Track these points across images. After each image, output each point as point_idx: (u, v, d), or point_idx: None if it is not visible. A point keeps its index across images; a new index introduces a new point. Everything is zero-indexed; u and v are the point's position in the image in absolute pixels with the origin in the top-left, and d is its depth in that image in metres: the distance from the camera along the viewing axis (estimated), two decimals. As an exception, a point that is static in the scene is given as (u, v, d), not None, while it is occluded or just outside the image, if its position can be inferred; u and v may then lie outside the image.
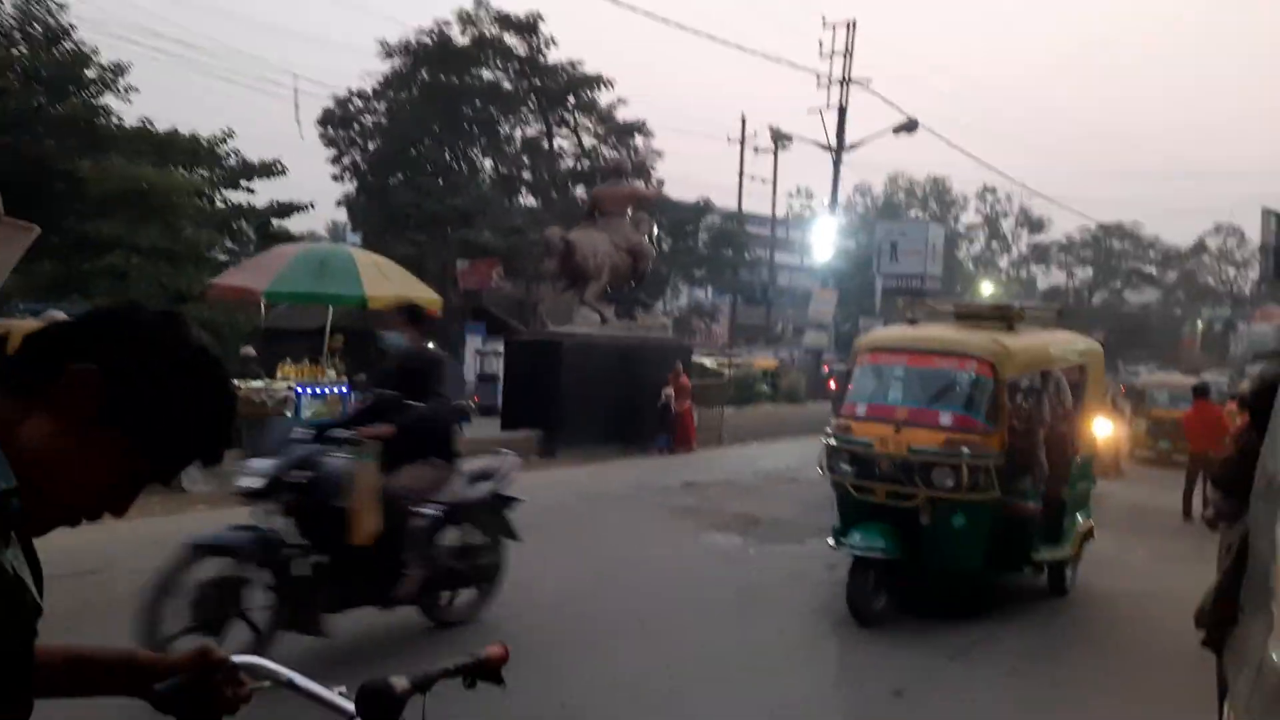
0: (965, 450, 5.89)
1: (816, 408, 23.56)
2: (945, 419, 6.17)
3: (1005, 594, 7.36)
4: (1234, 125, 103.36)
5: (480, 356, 23.66)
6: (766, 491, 12.18)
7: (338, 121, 28.04)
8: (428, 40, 27.70)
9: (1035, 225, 65.57)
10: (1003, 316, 7.01)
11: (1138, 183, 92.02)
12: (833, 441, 6.47)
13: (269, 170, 20.19)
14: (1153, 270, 60.60)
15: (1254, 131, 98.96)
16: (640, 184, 23.10)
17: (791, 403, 22.83)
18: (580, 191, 28.81)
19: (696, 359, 22.12)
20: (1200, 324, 60.86)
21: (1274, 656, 1.41)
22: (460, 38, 27.92)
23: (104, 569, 6.28)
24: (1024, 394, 7.59)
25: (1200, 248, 58.91)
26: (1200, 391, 11.95)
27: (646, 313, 17.68)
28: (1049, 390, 7.05)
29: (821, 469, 6.60)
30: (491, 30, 28.03)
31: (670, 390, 15.35)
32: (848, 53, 26.50)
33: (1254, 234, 45.79)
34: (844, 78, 26.33)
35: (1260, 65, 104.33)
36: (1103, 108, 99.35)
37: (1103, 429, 13.78)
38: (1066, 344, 7.52)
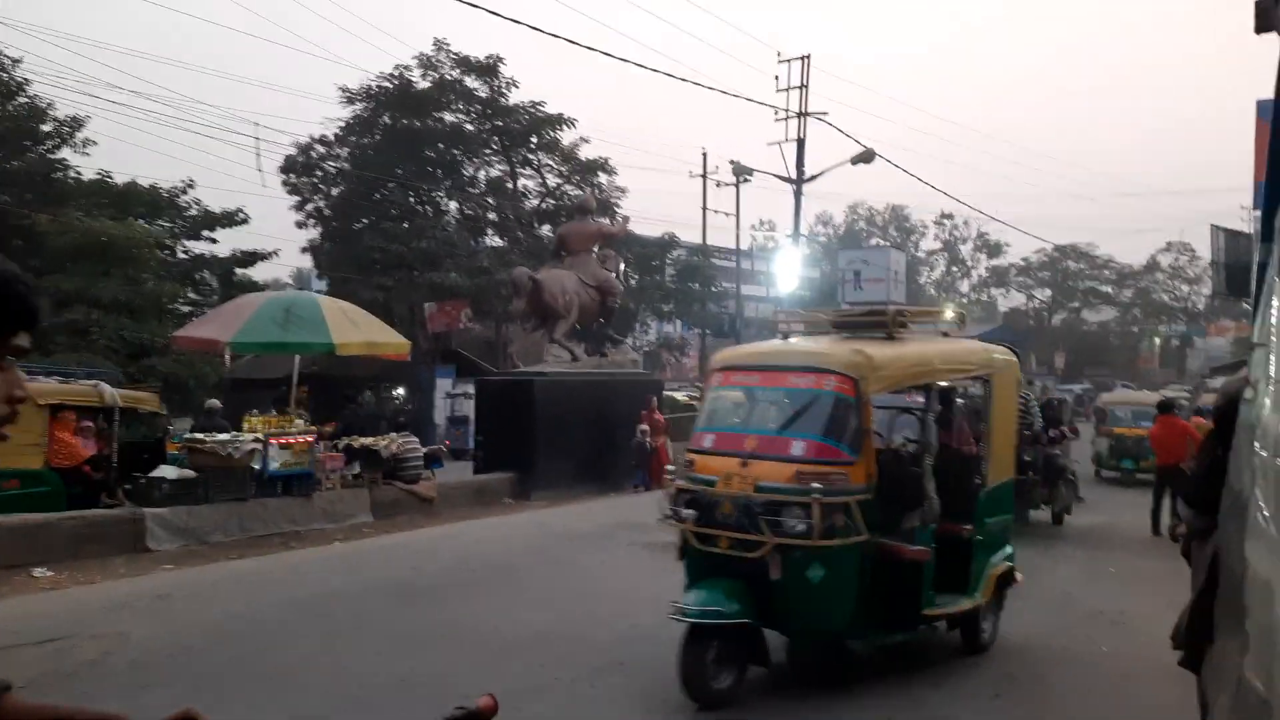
0: (817, 486, 4.87)
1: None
2: (797, 448, 5.18)
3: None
4: (1180, 145, 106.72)
5: (451, 399, 23.48)
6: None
7: (300, 168, 27.96)
8: (389, 85, 27.81)
9: (993, 249, 66.94)
10: (879, 324, 6.05)
11: (1088, 205, 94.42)
12: (676, 480, 5.53)
13: (231, 219, 20.07)
14: (1109, 289, 61.95)
15: (1200, 151, 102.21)
16: (605, 221, 23.24)
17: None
18: (546, 230, 28.92)
19: (668, 392, 22.12)
20: (1157, 340, 62.27)
21: (1250, 676, 1.43)
22: (421, 82, 28.07)
23: (70, 634, 6.09)
24: (900, 413, 6.86)
25: (1153, 265, 60.39)
26: (1165, 407, 12.16)
27: (616, 349, 17.67)
28: (933, 408, 6.06)
29: (663, 516, 5.52)
30: (452, 74, 28.23)
31: (645, 427, 15.33)
32: (803, 87, 27.00)
33: (1204, 250, 47.14)
34: (801, 111, 26.82)
35: (1201, 86, 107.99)
36: (1051, 132, 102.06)
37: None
38: (961, 353, 6.36)
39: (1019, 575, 6.54)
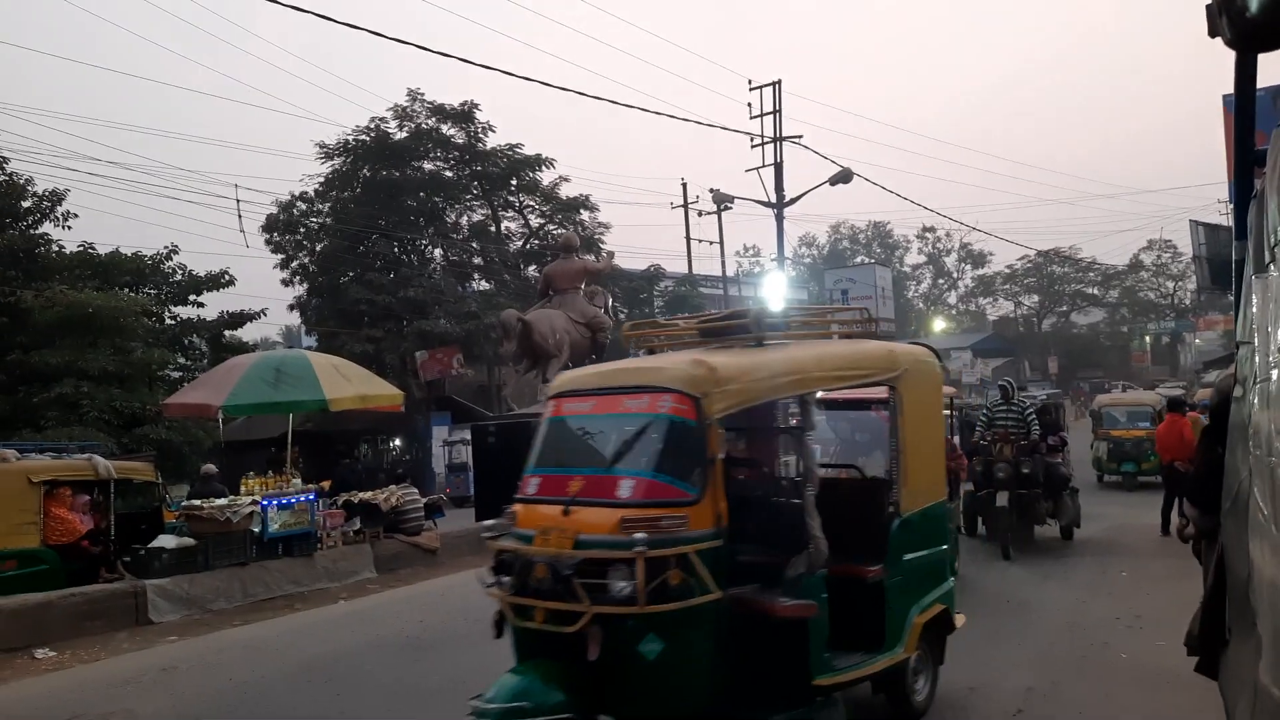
0: (640, 536, 3.81)
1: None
2: (624, 488, 4.16)
3: (996, 634, 7.33)
4: (1153, 144, 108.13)
5: (448, 446, 23.37)
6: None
7: (282, 226, 28.06)
8: (366, 138, 28.04)
9: (977, 259, 67.53)
10: (744, 329, 4.93)
11: (1068, 209, 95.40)
12: (497, 539, 4.49)
13: (217, 282, 20.08)
14: (1095, 291, 62.32)
15: (1174, 148, 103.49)
16: (591, 258, 23.33)
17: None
18: (532, 271, 29.02)
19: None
20: (1148, 338, 62.56)
21: (1266, 682, 1.42)
22: (398, 132, 28.32)
23: (77, 715, 5.98)
24: (764, 433, 5.83)
25: (1137, 265, 60.81)
26: (1175, 405, 12.10)
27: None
28: (810, 424, 4.93)
29: (484, 585, 4.46)
30: (428, 123, 28.49)
31: None
32: (776, 112, 27.33)
33: (1186, 246, 47.54)
34: (776, 136, 27.11)
35: (1171, 83, 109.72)
36: (1023, 141, 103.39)
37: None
38: (851, 356, 5.21)
39: (959, 618, 5.52)
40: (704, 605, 3.95)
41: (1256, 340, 1.83)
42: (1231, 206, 2.66)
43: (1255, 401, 1.82)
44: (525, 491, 4.57)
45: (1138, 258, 60.70)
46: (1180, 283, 59.11)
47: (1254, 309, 1.92)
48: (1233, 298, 2.95)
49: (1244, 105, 2.37)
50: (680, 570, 3.88)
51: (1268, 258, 1.70)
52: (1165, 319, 61.12)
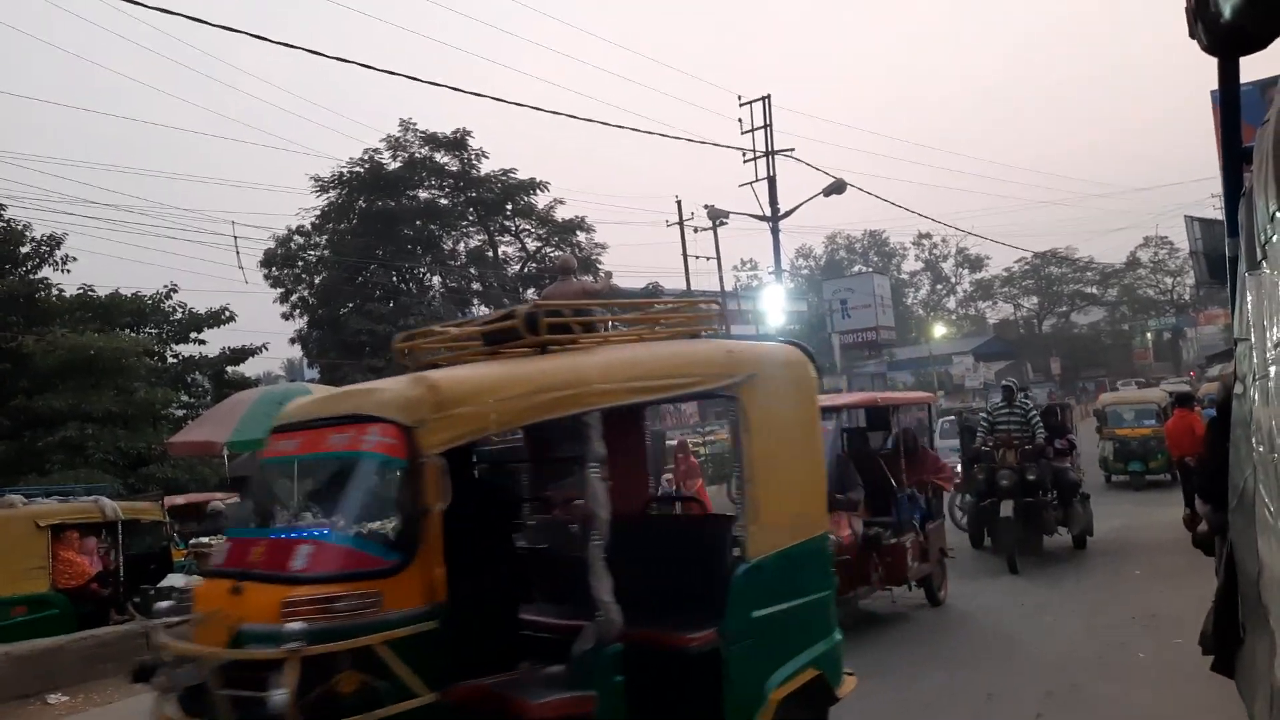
0: (296, 628, 2.82)
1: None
2: (300, 557, 3.16)
3: (1011, 638, 7.30)
4: (1145, 141, 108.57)
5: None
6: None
7: (280, 260, 28.17)
8: (360, 170, 28.21)
9: (975, 264, 67.58)
10: (507, 335, 3.79)
11: (1062, 210, 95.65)
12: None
13: (217, 319, 20.13)
14: (1094, 290, 62.36)
15: (1166, 144, 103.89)
16: (589, 279, 23.40)
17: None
18: (531, 294, 29.09)
19: (669, 442, 22.04)
20: (1149, 335, 62.53)
21: (1281, 680, 1.41)
22: (392, 163, 28.50)
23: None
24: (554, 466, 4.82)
25: (1134, 262, 60.90)
26: (1183, 400, 12.24)
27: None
28: (595, 453, 3.51)
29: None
30: (421, 151, 28.67)
31: (668, 476, 15.12)
32: (767, 126, 27.49)
33: (1182, 242, 47.64)
34: (767, 150, 27.25)
35: (1160, 80, 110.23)
36: (1014, 144, 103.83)
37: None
38: (666, 362, 4.06)
39: (846, 682, 4.45)
40: (405, 716, 2.93)
41: (1254, 337, 1.84)
42: (1223, 203, 2.68)
43: (1256, 398, 1.82)
44: (211, 560, 3.66)
45: (1135, 255, 60.82)
46: (1178, 278, 59.18)
47: (1249, 306, 1.93)
48: (1229, 293, 2.96)
49: (1229, 104, 2.39)
50: (360, 670, 2.90)
51: (1260, 255, 1.71)
52: (1165, 315, 61.13)
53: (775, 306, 31.60)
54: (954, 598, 8.76)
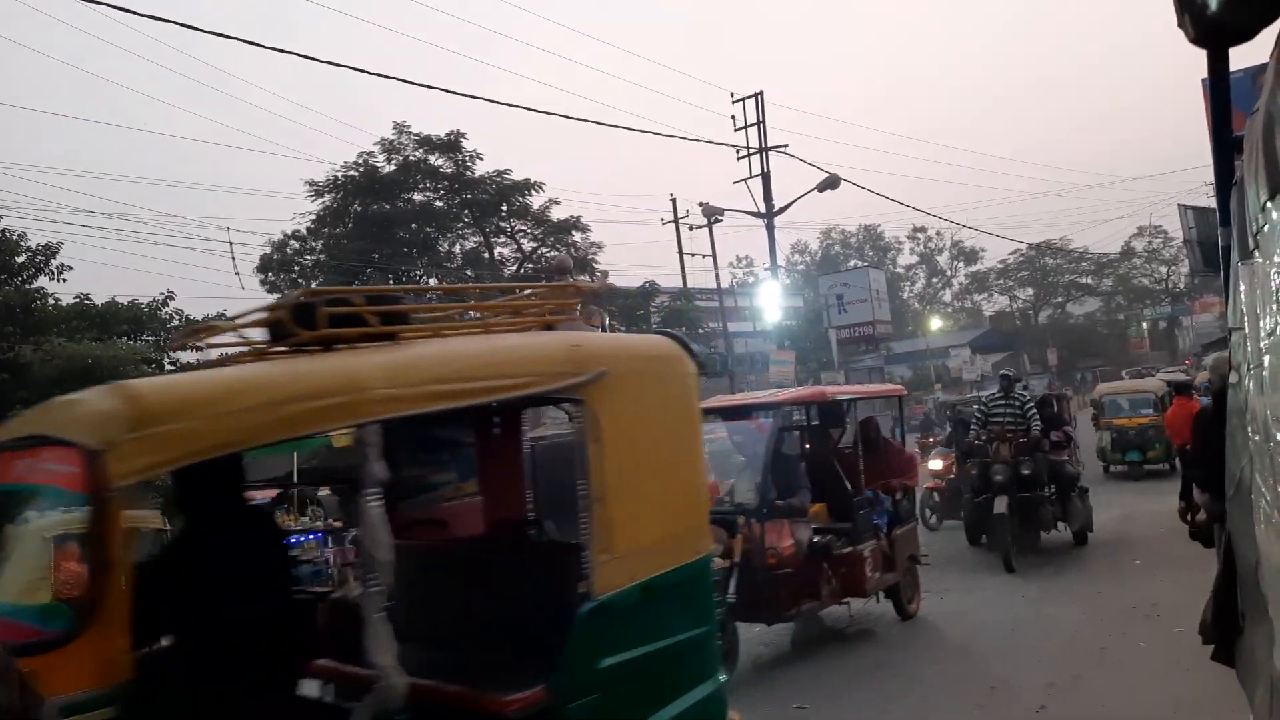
0: None
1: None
2: None
3: (1013, 631, 7.31)
4: (1136, 130, 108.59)
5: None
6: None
7: (276, 266, 28.16)
8: (355, 174, 28.21)
9: (970, 256, 67.67)
10: (279, 330, 3.08)
11: (1056, 201, 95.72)
12: None
13: (214, 326, 20.12)
14: (1089, 280, 62.47)
15: (1158, 132, 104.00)
16: (585, 279, 23.43)
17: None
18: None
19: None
20: (1145, 324, 62.65)
21: (1280, 668, 1.42)
22: (386, 166, 28.50)
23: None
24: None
25: (1129, 252, 61.00)
26: (1182, 389, 12.32)
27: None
28: (375, 473, 2.75)
29: None
30: (416, 154, 28.67)
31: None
32: (760, 122, 27.50)
33: (1176, 231, 47.70)
34: (761, 147, 27.27)
35: (1153, 68, 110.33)
36: (1006, 135, 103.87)
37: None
38: (482, 360, 3.27)
39: None
40: None
41: (1247, 326, 1.84)
42: (1215, 191, 2.68)
43: (1251, 387, 1.83)
44: None
45: (1129, 245, 60.91)
46: (1173, 267, 59.26)
47: (1242, 295, 1.94)
48: (1223, 282, 2.96)
49: (1218, 94, 2.39)
50: None
51: (1251, 244, 1.71)
52: (1161, 304, 61.23)
53: (772, 303, 31.62)
54: (952, 591, 8.76)
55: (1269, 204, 1.48)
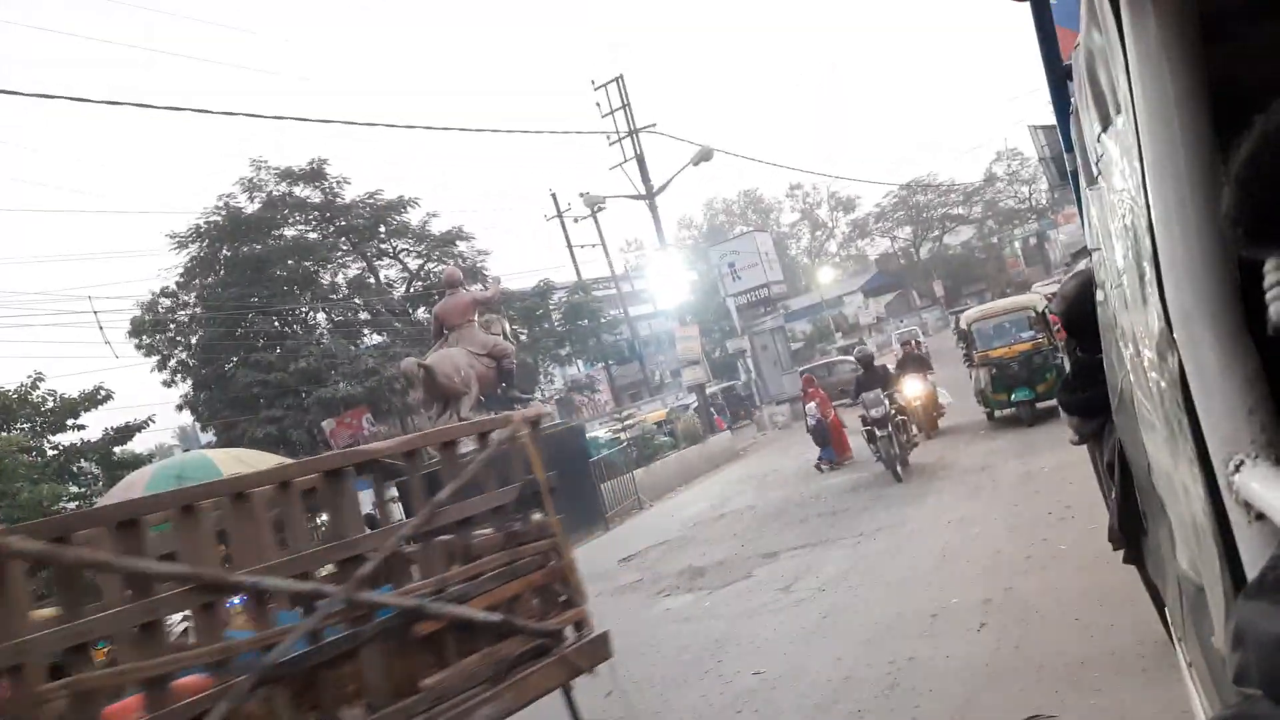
0: None
1: (717, 441, 23.93)
2: None
3: (943, 555, 7.60)
4: (977, 61, 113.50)
5: (376, 509, 22.71)
6: (700, 538, 12.20)
7: (149, 327, 26.73)
8: (218, 218, 26.98)
9: (847, 205, 69.77)
10: None
11: (918, 139, 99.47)
12: None
13: (93, 400, 19.00)
14: (960, 211, 65.27)
15: (1002, 61, 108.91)
16: (478, 288, 23.07)
17: (694, 443, 23.07)
18: (422, 313, 28.50)
19: (590, 434, 22.01)
20: (1017, 244, 65.88)
21: (1184, 566, 1.51)
22: (250, 205, 27.37)
23: None
24: None
25: (992, 178, 63.93)
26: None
27: (526, 407, 17.49)
28: None
29: None
30: (279, 188, 27.63)
31: (811, 405, 15.32)
32: (625, 105, 27.60)
33: (1030, 152, 50.11)
34: (630, 129, 27.36)
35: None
36: (862, 80, 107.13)
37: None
38: None
39: None
40: None
41: (1104, 248, 1.95)
42: (1055, 118, 2.81)
43: (1116, 304, 1.93)
44: None
45: (991, 170, 63.87)
46: (1033, 185, 62.42)
47: (1094, 218, 2.05)
48: (1077, 203, 3.11)
49: (1044, 29, 2.50)
50: None
51: (1095, 171, 1.81)
52: (1029, 222, 64.44)
53: (666, 280, 31.85)
54: (882, 530, 9.09)
55: (1102, 135, 1.55)
